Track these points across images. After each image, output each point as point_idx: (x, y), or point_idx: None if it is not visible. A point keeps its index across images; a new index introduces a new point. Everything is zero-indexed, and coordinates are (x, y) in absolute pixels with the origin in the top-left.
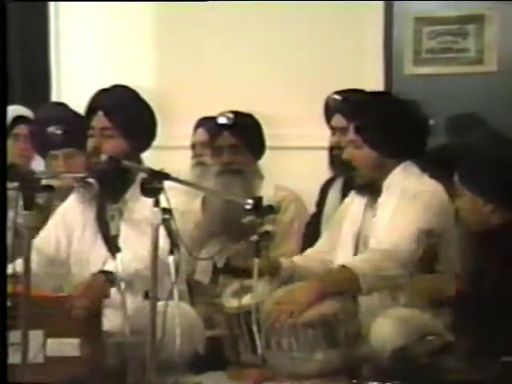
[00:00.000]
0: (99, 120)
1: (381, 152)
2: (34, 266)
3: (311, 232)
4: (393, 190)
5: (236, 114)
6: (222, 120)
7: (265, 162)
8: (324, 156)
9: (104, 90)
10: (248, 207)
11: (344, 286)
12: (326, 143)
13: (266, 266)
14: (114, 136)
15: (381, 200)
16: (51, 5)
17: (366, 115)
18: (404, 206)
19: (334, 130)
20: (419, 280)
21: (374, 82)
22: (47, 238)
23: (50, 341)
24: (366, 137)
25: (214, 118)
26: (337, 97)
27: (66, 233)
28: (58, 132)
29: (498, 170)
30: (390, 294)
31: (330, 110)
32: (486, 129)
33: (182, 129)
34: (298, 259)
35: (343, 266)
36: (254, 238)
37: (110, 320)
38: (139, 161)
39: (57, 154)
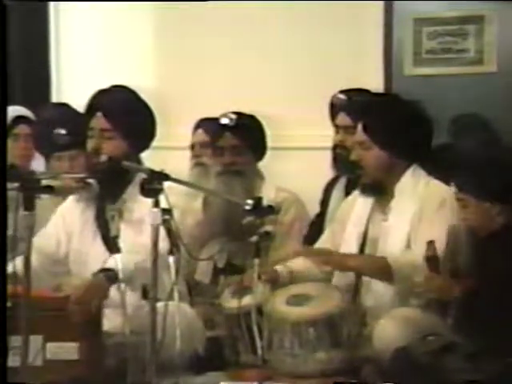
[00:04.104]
0: (98, 121)
1: (391, 152)
2: (33, 264)
3: (314, 232)
4: (408, 195)
5: (238, 114)
6: (224, 120)
7: (265, 163)
8: (324, 156)
9: (103, 91)
10: (248, 208)
11: (377, 275)
12: (326, 143)
13: (264, 276)
14: (113, 137)
15: (393, 204)
16: (51, 5)
17: (375, 115)
18: (428, 213)
19: (338, 128)
20: (430, 279)
21: (374, 82)
22: (47, 237)
23: (48, 344)
24: (375, 137)
25: (213, 119)
26: (342, 96)
27: (66, 232)
28: (64, 135)
29: (499, 170)
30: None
31: (334, 108)
32: (477, 132)
33: (182, 129)
34: (296, 264)
35: (383, 257)
36: (254, 238)
37: (110, 320)
38: (138, 161)
39: (61, 155)
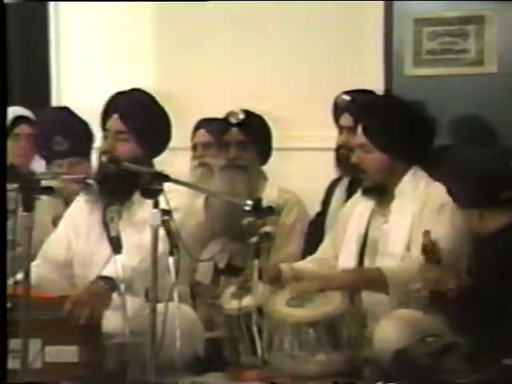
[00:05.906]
0: (114, 123)
1: (392, 155)
2: (47, 271)
3: (315, 231)
4: (408, 197)
5: (246, 112)
6: (232, 118)
7: (268, 163)
8: (325, 157)
9: (120, 93)
10: (247, 208)
11: (373, 288)
12: (327, 144)
13: (267, 274)
14: (128, 140)
15: (394, 206)
16: (51, 5)
17: (375, 117)
18: (428, 216)
19: (341, 129)
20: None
21: (374, 82)
22: (58, 242)
23: (48, 347)
24: (375, 139)
25: (214, 119)
26: (346, 96)
27: (76, 234)
28: (65, 144)
29: (477, 175)
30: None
31: (338, 109)
32: (477, 133)
33: (182, 130)
34: (299, 265)
35: (378, 269)
36: (254, 239)
37: (111, 321)
38: (151, 165)
39: (62, 163)
